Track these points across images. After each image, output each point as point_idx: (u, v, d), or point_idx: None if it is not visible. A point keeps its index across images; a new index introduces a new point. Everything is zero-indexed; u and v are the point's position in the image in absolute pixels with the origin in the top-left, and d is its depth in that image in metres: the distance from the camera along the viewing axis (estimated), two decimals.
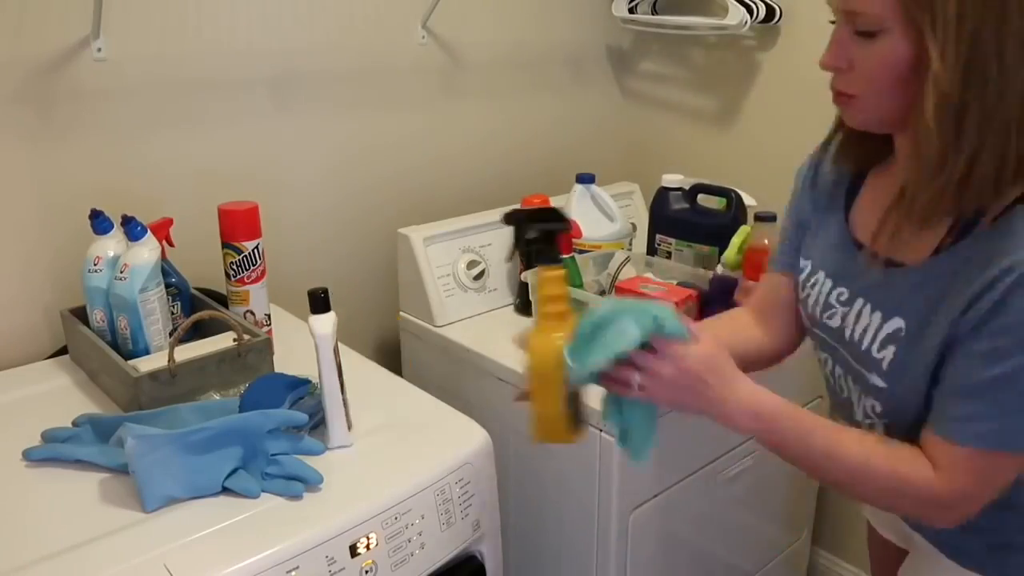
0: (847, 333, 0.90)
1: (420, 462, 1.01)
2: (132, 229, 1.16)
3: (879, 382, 0.86)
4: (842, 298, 0.90)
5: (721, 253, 1.39)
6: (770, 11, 1.68)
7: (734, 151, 1.88)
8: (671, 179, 1.56)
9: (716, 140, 1.91)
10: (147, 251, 1.17)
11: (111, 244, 1.19)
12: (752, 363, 0.99)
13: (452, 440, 1.07)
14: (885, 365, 0.84)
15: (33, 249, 1.29)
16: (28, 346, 1.31)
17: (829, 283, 0.93)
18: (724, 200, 1.51)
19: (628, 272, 1.38)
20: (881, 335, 0.85)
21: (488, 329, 1.51)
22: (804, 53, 1.71)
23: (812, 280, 0.96)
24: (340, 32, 1.54)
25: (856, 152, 0.93)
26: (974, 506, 0.81)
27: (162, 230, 1.27)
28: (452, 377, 1.48)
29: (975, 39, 0.71)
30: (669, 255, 1.55)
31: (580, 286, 1.35)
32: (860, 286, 0.89)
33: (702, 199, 1.56)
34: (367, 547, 0.91)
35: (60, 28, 1.24)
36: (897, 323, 0.83)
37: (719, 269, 1.25)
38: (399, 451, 1.03)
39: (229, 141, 1.45)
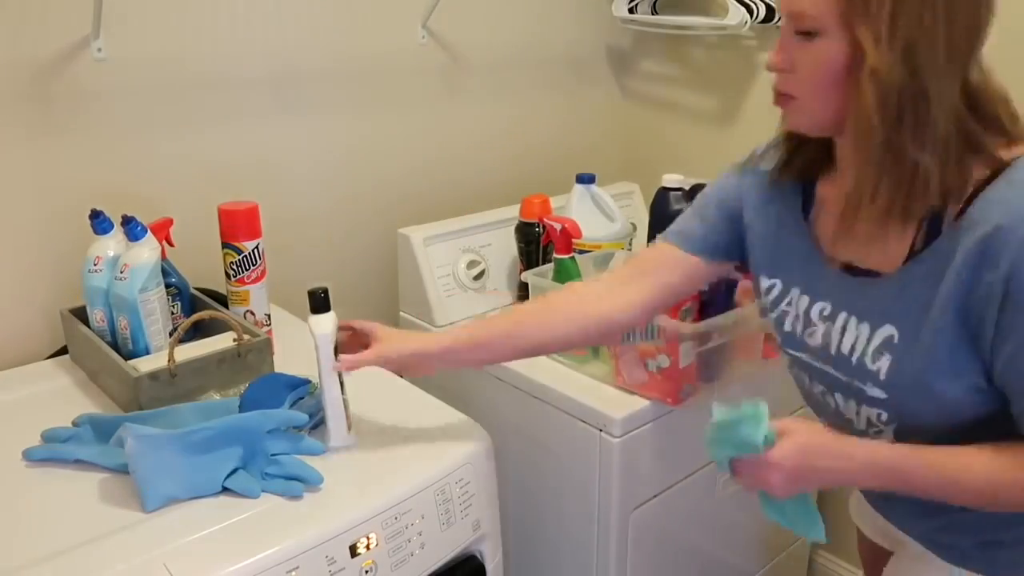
0: (833, 348, 0.89)
1: (420, 462, 1.01)
2: (132, 229, 1.16)
3: (878, 393, 0.85)
4: (825, 313, 0.90)
5: None
6: (770, 11, 1.68)
7: (734, 151, 1.87)
8: (671, 179, 1.56)
9: (716, 140, 1.91)
10: (147, 251, 1.17)
11: (111, 244, 1.19)
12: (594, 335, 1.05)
13: (452, 440, 1.07)
14: (882, 375, 0.84)
15: (33, 249, 1.29)
16: (28, 346, 1.31)
17: (807, 299, 0.92)
18: None
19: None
20: (873, 345, 0.85)
21: None
22: None
23: (787, 298, 0.95)
24: (340, 32, 1.54)
25: (798, 162, 0.93)
26: None
27: (162, 230, 1.27)
28: (452, 377, 1.48)
29: (910, 33, 0.73)
30: None
31: None
32: (841, 300, 0.88)
33: None
34: (367, 547, 0.91)
35: (60, 28, 1.24)
36: (888, 331, 0.83)
37: None
38: (399, 451, 1.03)
39: (229, 141, 1.45)
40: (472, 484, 1.04)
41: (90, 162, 1.31)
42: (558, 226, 1.36)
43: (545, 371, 1.33)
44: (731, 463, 0.85)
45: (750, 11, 1.66)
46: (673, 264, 1.02)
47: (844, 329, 0.87)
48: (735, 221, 1.00)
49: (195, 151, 1.42)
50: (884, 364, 0.84)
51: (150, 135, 1.36)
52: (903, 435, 0.87)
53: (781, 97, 0.84)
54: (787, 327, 0.95)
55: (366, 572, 0.91)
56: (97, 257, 1.19)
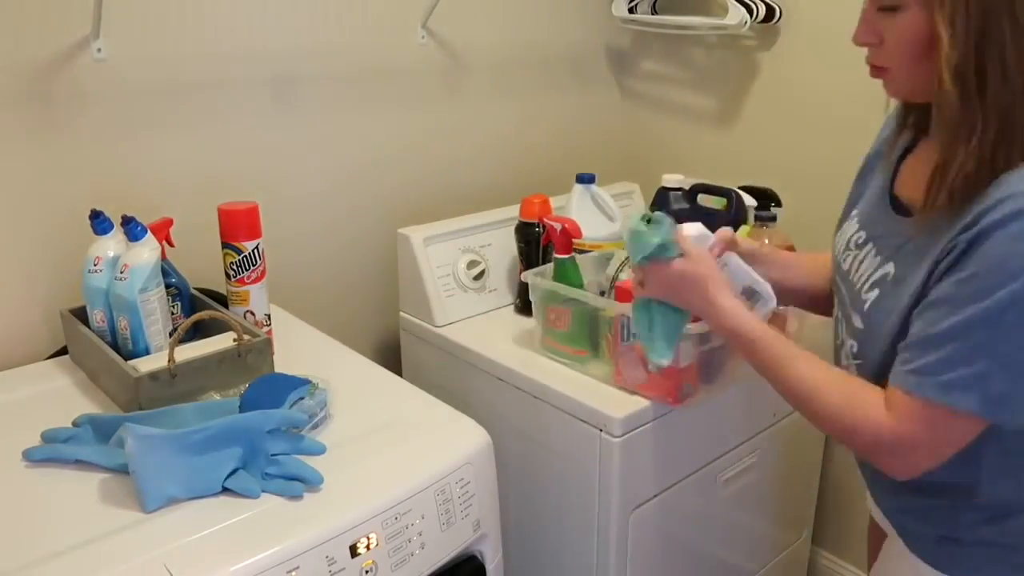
0: (851, 275, 0.96)
1: (420, 462, 1.01)
2: (132, 229, 1.16)
3: (859, 322, 0.92)
4: (859, 241, 0.96)
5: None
6: (770, 11, 1.68)
7: (734, 151, 1.88)
8: (671, 179, 1.56)
9: (716, 140, 1.91)
10: (147, 251, 1.17)
11: (111, 244, 1.19)
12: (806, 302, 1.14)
13: (452, 440, 1.07)
14: (866, 306, 0.90)
15: (33, 249, 1.29)
16: (28, 346, 1.31)
17: (856, 227, 0.98)
18: (724, 200, 1.51)
19: (628, 272, 1.38)
20: (873, 278, 0.90)
21: (488, 329, 1.51)
22: (804, 53, 1.72)
23: (846, 224, 1.01)
24: (340, 32, 1.54)
25: (912, 119, 0.96)
26: (920, 459, 0.84)
27: (162, 230, 1.27)
28: (452, 377, 1.48)
29: (986, 7, 0.75)
30: None
31: (580, 286, 1.35)
32: (876, 233, 0.94)
33: (702, 199, 1.56)
34: (367, 547, 0.91)
35: (60, 28, 1.24)
36: (888, 268, 0.89)
37: None
38: (399, 451, 1.03)
39: (229, 141, 1.45)
40: (472, 484, 1.04)
41: (90, 162, 1.31)
42: (558, 226, 1.36)
43: (545, 371, 1.34)
44: (644, 261, 1.01)
45: (750, 11, 1.66)
46: None
47: (864, 259, 0.93)
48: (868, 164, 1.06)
49: (195, 151, 1.42)
50: (871, 297, 0.90)
51: (150, 135, 1.36)
52: (863, 376, 0.92)
53: (874, 69, 0.88)
54: (837, 248, 1.02)
55: (366, 572, 0.91)
56: (97, 257, 1.19)
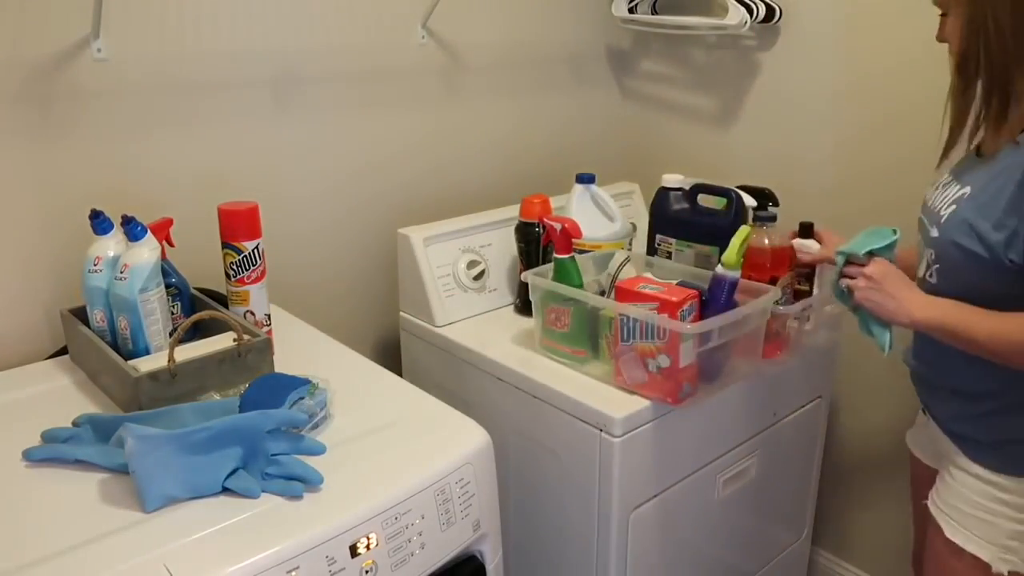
0: (934, 204, 1.16)
1: (420, 462, 1.01)
2: (132, 229, 1.16)
3: (935, 232, 1.13)
4: (945, 180, 1.18)
5: (721, 253, 1.39)
6: (770, 11, 1.68)
7: (734, 151, 1.88)
8: (671, 179, 1.56)
9: (716, 140, 1.91)
10: (147, 251, 1.17)
11: (111, 244, 1.19)
12: None
13: (452, 440, 1.07)
14: (943, 220, 1.11)
15: (33, 249, 1.29)
16: (28, 346, 1.31)
17: (948, 177, 1.18)
18: (724, 200, 1.51)
19: (628, 272, 1.38)
20: (952, 198, 1.12)
21: (488, 329, 1.51)
22: (804, 53, 1.72)
23: (943, 177, 1.21)
24: (340, 32, 1.54)
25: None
26: None
27: (162, 230, 1.27)
28: (452, 377, 1.48)
29: (979, 23, 1.03)
30: (669, 255, 1.55)
31: (580, 286, 1.35)
32: (960, 173, 1.15)
33: (702, 199, 1.55)
34: (367, 547, 0.91)
35: (60, 28, 1.24)
36: (965, 190, 1.10)
37: (719, 269, 1.25)
38: (399, 451, 1.03)
39: (229, 141, 1.45)
40: (472, 484, 1.04)
41: (90, 162, 1.31)
42: (558, 226, 1.36)
43: (545, 371, 1.34)
44: (847, 262, 1.18)
45: (750, 11, 1.66)
46: None
47: (947, 188, 1.15)
48: None
49: (195, 151, 1.42)
50: (948, 212, 1.11)
51: (150, 135, 1.37)
52: (942, 276, 1.12)
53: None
54: (928, 194, 1.22)
55: (366, 572, 0.91)
56: (97, 257, 1.19)
